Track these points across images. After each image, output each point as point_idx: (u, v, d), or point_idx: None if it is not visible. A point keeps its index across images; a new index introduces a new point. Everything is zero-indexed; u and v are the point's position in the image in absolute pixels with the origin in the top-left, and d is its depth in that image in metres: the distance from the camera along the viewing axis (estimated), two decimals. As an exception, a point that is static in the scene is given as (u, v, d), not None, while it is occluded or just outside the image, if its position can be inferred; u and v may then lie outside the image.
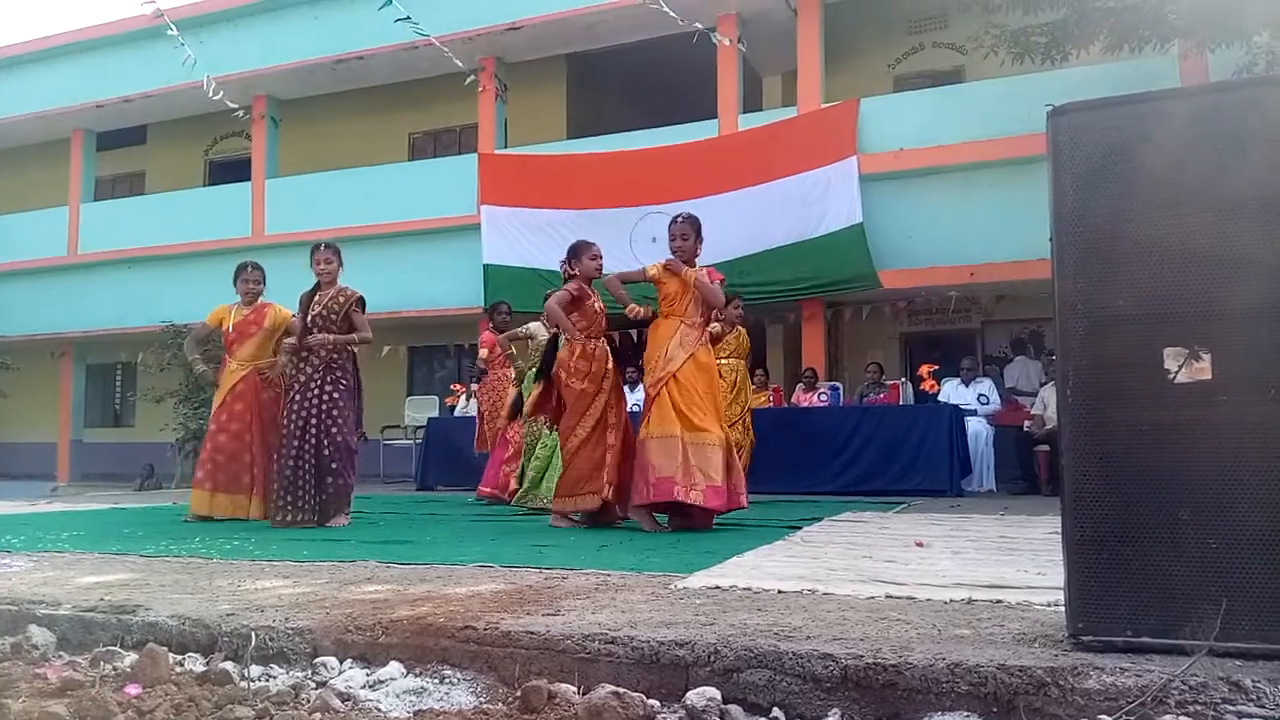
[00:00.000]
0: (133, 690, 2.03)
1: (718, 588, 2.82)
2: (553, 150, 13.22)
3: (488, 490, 7.67)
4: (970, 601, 2.55)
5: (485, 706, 1.98)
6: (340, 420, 5.61)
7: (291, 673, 2.23)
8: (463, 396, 11.45)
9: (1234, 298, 1.87)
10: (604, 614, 2.36)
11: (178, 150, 17.39)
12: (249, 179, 15.03)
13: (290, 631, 2.32)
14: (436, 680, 2.12)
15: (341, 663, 2.24)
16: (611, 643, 2.07)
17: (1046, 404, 9.13)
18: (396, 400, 14.31)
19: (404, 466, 12.72)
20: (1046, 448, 9.04)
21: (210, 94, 12.55)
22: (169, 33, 12.42)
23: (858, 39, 13.19)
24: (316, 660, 2.25)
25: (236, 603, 2.64)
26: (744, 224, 11.12)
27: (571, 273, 5.52)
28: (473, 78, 13.10)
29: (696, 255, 5.24)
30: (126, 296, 15.15)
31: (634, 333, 9.92)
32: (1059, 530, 2.01)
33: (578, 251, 5.53)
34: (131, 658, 2.28)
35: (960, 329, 12.82)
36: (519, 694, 1.96)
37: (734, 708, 1.88)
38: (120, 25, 15.19)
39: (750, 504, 5.23)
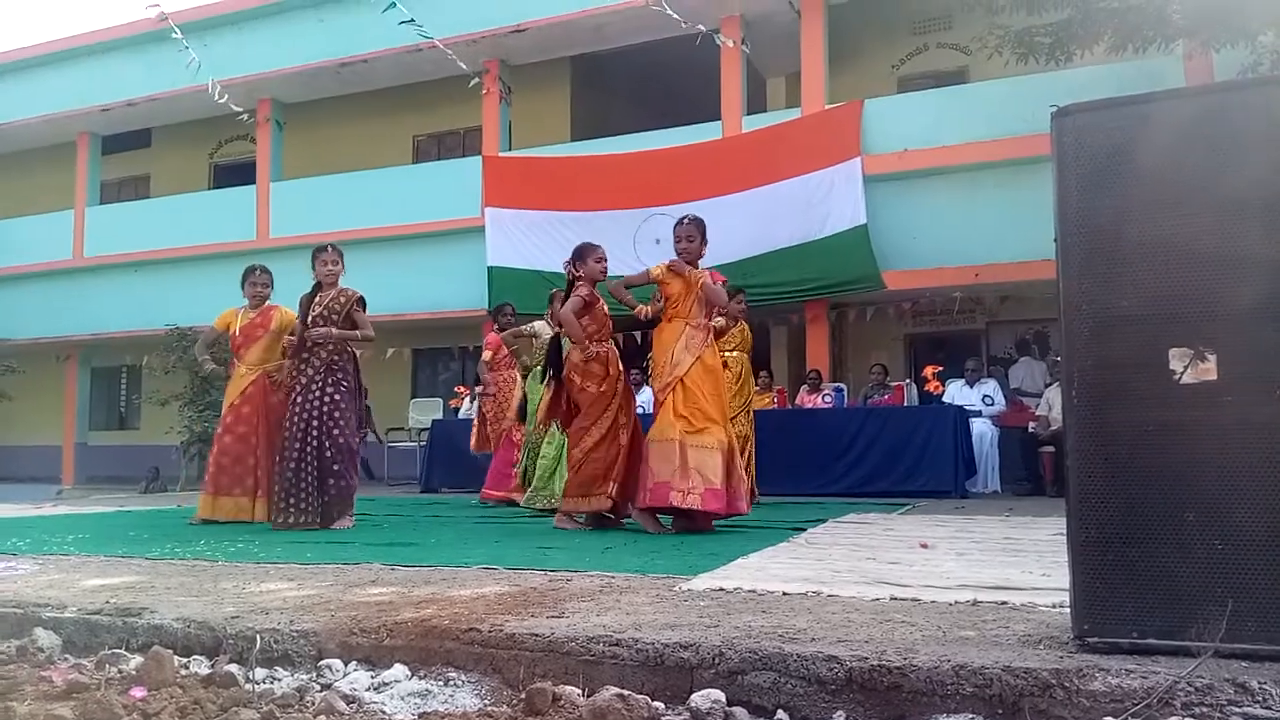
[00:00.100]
0: (138, 693, 2.03)
1: (722, 590, 2.82)
2: (557, 152, 13.23)
3: (497, 494, 7.63)
4: (975, 603, 2.54)
5: (490, 709, 1.98)
6: (342, 421, 5.62)
7: (296, 675, 2.23)
8: (466, 399, 11.46)
9: (1239, 298, 1.86)
10: (609, 616, 2.36)
11: (183, 153, 17.44)
12: (254, 182, 15.05)
13: (295, 634, 2.32)
14: (441, 682, 2.12)
15: (346, 665, 2.24)
16: (616, 645, 2.07)
17: (1051, 405, 9.12)
18: (401, 403, 14.33)
19: (408, 469, 12.74)
20: (1051, 449, 9.02)
21: (215, 97, 12.60)
22: (173, 36, 12.47)
23: (861, 40, 13.19)
24: (321, 662, 2.25)
25: (241, 605, 2.64)
26: (748, 225, 11.12)
27: (576, 275, 5.53)
28: (476, 80, 13.14)
29: (700, 257, 5.25)
30: (132, 300, 15.19)
31: (637, 334, 9.94)
32: (1064, 531, 2.01)
33: (583, 254, 5.53)
34: (137, 660, 2.29)
35: (965, 330, 12.81)
36: (523, 696, 1.96)
37: (739, 710, 1.88)
38: (125, 29, 15.23)
39: (754, 505, 5.23)
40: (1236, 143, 1.90)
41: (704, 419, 4.92)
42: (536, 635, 2.15)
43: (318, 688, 2.13)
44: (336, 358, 5.69)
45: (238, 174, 16.54)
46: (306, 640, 2.30)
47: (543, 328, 7.15)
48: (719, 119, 12.30)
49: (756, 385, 9.60)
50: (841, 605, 2.53)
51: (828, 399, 10.25)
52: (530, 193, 12.68)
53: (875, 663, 1.86)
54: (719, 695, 1.90)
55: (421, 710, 1.99)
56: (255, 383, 6.13)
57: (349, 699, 2.01)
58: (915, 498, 8.02)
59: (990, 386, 10.27)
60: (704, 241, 5.24)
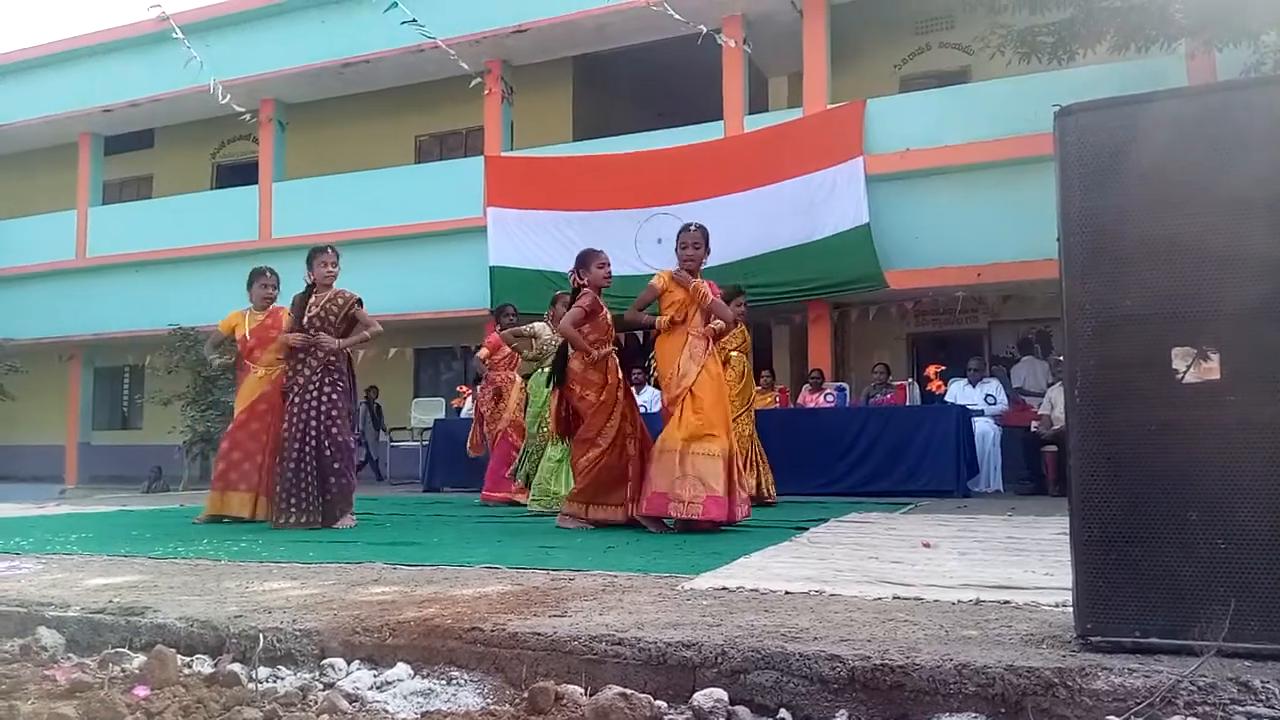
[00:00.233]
0: (141, 692, 2.03)
1: (725, 589, 2.82)
2: (558, 152, 13.24)
3: (498, 496, 7.63)
4: (978, 602, 2.54)
5: (492, 708, 1.98)
6: (340, 421, 5.66)
7: (299, 674, 2.23)
8: (468, 398, 11.46)
9: (1242, 297, 1.86)
10: (611, 615, 2.36)
11: (185, 154, 17.46)
12: (256, 182, 15.08)
13: (298, 633, 2.32)
14: (444, 681, 2.13)
15: (349, 664, 2.24)
16: (619, 644, 2.07)
17: (1054, 404, 9.11)
18: (403, 402, 14.35)
19: (410, 468, 12.75)
20: (1054, 448, 9.01)
21: (217, 98, 12.61)
22: (176, 37, 12.48)
23: (863, 40, 13.18)
24: (324, 661, 2.26)
25: (244, 604, 2.65)
26: (750, 225, 11.12)
27: (581, 283, 5.52)
28: (478, 80, 13.14)
29: (702, 264, 5.28)
30: (134, 300, 15.21)
31: (639, 334, 9.93)
32: (1066, 531, 2.01)
33: (585, 261, 5.53)
34: (140, 659, 2.29)
35: (967, 329, 12.80)
36: (526, 695, 1.96)
37: (741, 709, 1.88)
38: (128, 30, 15.25)
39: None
40: (1239, 142, 1.90)
41: (709, 426, 4.95)
42: (539, 634, 2.15)
43: (321, 687, 2.13)
44: (333, 359, 5.71)
45: (240, 174, 16.57)
46: (309, 639, 2.31)
47: (543, 329, 7.15)
48: (721, 119, 12.31)
49: (758, 385, 9.61)
50: (844, 604, 2.53)
51: (830, 398, 10.24)
52: (532, 193, 12.69)
53: (878, 662, 1.86)
54: (722, 694, 1.90)
55: (424, 709, 1.99)
56: (274, 383, 6.15)
57: (352, 698, 2.01)
58: (917, 497, 8.02)
59: (993, 386, 10.27)
60: (708, 250, 5.28)
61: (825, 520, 5.56)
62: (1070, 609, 1.99)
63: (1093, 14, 8.97)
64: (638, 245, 11.53)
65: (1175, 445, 1.88)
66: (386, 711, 1.98)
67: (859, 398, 10.86)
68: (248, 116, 14.04)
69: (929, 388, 9.64)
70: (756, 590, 2.78)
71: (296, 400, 5.63)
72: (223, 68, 13.85)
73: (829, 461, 8.80)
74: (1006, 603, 2.53)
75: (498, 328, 8.07)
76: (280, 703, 1.98)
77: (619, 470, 5.31)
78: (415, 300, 13.11)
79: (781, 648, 1.95)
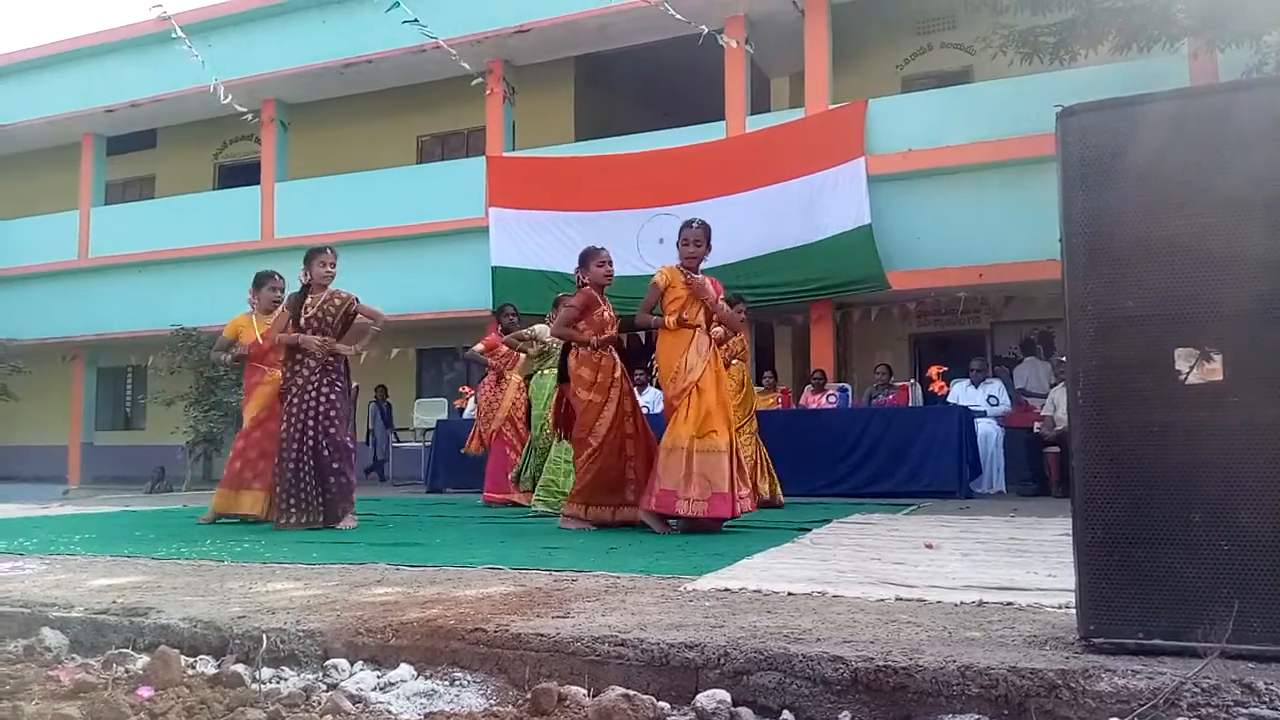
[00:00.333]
0: (145, 692, 2.04)
1: (727, 590, 2.82)
2: (560, 153, 13.25)
3: (499, 497, 7.63)
4: (981, 604, 2.54)
5: (495, 709, 1.98)
6: (338, 420, 5.67)
7: (302, 675, 2.23)
8: (470, 399, 11.46)
9: (1245, 298, 1.86)
10: (614, 616, 2.36)
11: (187, 154, 17.48)
12: (258, 182, 15.09)
13: (301, 634, 2.32)
14: (447, 682, 2.13)
15: (352, 665, 2.25)
16: (621, 645, 2.07)
17: (1056, 405, 9.10)
18: (405, 403, 14.36)
19: (413, 469, 12.76)
20: (1056, 449, 9.01)
21: (219, 98, 12.62)
22: (175, 36, 12.49)
23: (865, 40, 13.18)
24: (327, 662, 2.26)
25: (248, 605, 2.65)
26: (752, 225, 11.12)
27: (584, 281, 5.53)
28: (480, 80, 13.14)
29: (702, 261, 5.28)
30: (137, 300, 15.23)
31: (641, 334, 9.93)
32: (1069, 532, 2.00)
33: (586, 260, 5.55)
34: (144, 660, 2.29)
35: (969, 330, 12.79)
36: (529, 696, 1.96)
37: (744, 710, 1.88)
38: (129, 30, 15.27)
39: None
40: (1241, 143, 1.90)
41: (712, 423, 4.94)
42: (542, 635, 2.15)
43: (324, 687, 2.13)
44: (331, 359, 5.71)
45: (242, 174, 16.59)
46: (313, 640, 2.31)
47: (543, 331, 7.16)
48: (723, 119, 12.31)
49: (760, 386, 9.63)
50: (847, 605, 2.53)
51: (832, 399, 10.24)
52: (534, 193, 12.69)
53: (881, 663, 1.86)
54: (724, 695, 1.90)
55: (427, 710, 2.00)
56: None
57: (355, 699, 2.02)
58: (920, 498, 8.01)
59: (995, 387, 10.26)
60: (709, 247, 5.27)
61: (828, 521, 5.56)
62: (1073, 610, 1.99)
63: (1095, 14, 8.96)
64: (640, 245, 11.53)
65: (1178, 446, 1.88)
66: (390, 712, 1.98)
67: (861, 398, 10.86)
68: (249, 117, 14.05)
69: (931, 389, 9.63)
70: (759, 591, 2.78)
71: (295, 400, 5.64)
72: (224, 68, 13.86)
73: (831, 462, 8.80)
74: (1009, 604, 2.53)
75: (499, 328, 8.07)
76: (284, 704, 1.98)
77: (618, 471, 5.30)
78: (417, 301, 13.11)
79: (784, 649, 1.96)
